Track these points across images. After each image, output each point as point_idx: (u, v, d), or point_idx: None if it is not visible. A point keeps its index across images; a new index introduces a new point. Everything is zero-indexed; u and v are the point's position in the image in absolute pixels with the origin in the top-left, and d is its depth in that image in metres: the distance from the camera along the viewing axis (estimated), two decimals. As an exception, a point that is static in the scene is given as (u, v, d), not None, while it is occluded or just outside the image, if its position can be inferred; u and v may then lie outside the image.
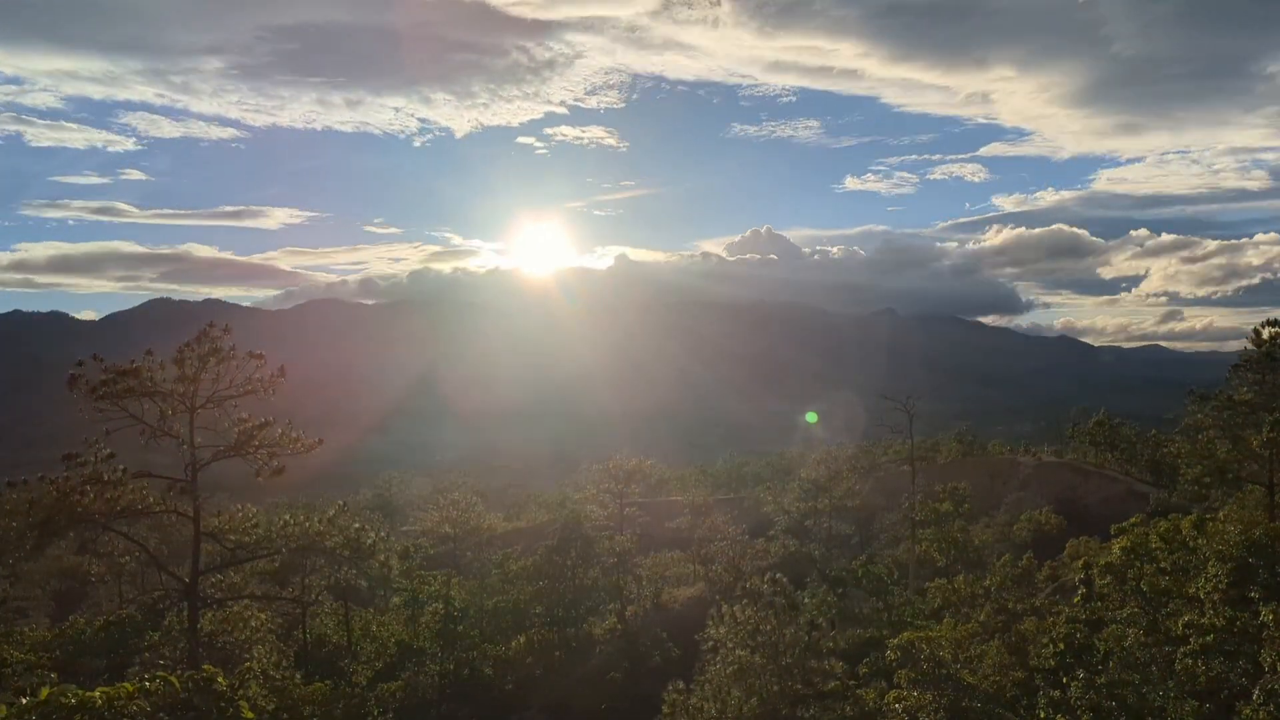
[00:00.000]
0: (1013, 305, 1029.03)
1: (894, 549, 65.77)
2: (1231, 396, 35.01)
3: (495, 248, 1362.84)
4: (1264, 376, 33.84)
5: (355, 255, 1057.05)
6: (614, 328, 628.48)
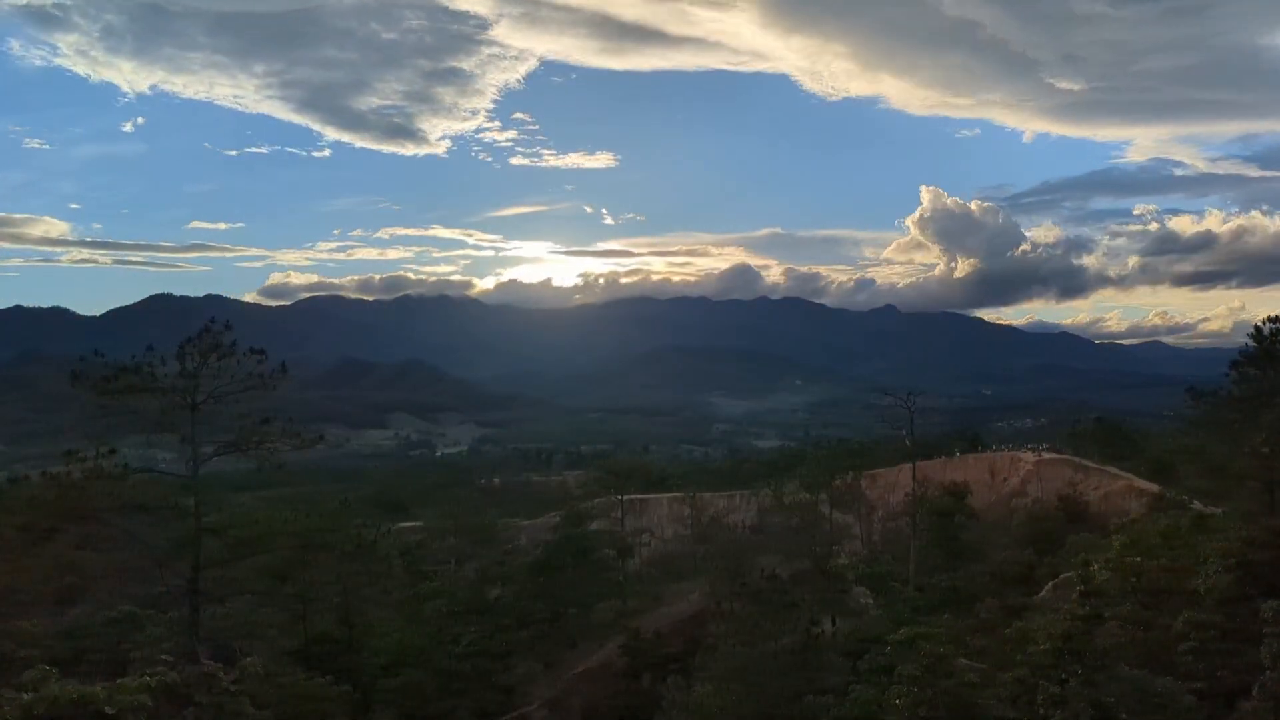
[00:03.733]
0: (1014, 299, 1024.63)
1: (894, 545, 65.83)
2: (1231, 393, 34.93)
3: (496, 242, 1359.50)
4: (1264, 373, 33.72)
5: (353, 252, 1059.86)
6: (615, 322, 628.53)
